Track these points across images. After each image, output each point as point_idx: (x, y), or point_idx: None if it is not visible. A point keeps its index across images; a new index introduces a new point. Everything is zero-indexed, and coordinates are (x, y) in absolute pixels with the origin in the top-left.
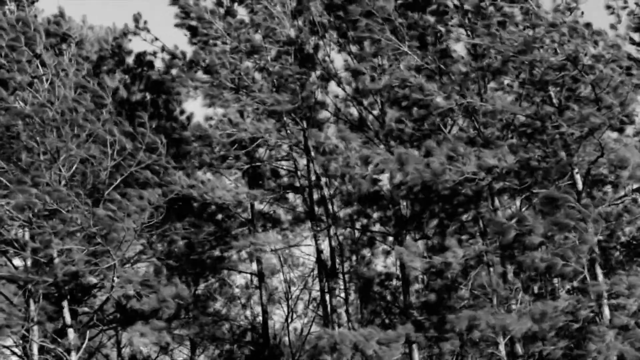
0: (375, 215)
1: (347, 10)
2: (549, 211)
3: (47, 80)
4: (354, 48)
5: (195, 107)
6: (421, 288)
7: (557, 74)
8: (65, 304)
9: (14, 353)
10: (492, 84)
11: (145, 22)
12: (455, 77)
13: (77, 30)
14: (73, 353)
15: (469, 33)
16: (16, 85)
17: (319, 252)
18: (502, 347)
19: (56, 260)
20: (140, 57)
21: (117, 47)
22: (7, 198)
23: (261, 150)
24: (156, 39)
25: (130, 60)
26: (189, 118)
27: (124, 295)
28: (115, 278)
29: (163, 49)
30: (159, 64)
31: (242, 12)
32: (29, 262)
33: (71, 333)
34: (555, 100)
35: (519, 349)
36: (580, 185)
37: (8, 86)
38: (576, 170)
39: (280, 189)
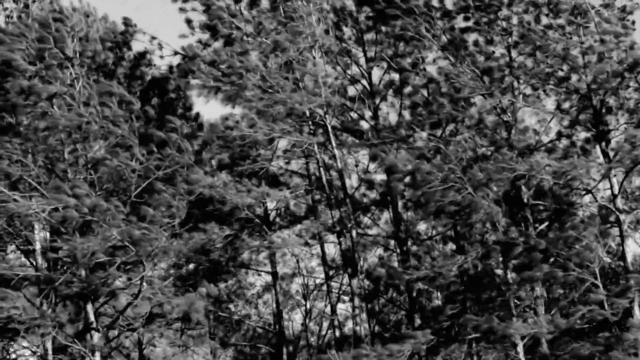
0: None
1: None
2: None
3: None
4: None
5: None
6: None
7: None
8: (90, 307)
9: (34, 353)
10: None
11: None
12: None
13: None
14: (97, 354)
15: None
16: (50, 95)
17: (343, 252)
18: (520, 349)
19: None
20: (143, 55)
21: (119, 46)
22: (41, 204)
23: (279, 150)
24: (155, 41)
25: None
26: (195, 118)
27: (148, 298)
28: (144, 283)
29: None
30: (158, 62)
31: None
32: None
33: (95, 334)
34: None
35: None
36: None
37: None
38: None
39: (298, 189)
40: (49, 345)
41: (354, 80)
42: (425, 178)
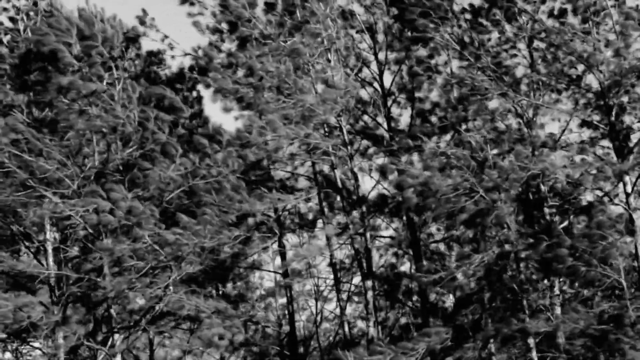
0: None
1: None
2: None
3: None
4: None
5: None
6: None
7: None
8: (113, 311)
9: (44, 354)
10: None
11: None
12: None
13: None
14: (119, 356)
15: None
16: (89, 94)
17: (357, 253)
18: (533, 347)
19: (107, 278)
20: (154, 54)
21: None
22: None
23: (287, 153)
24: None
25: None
26: (205, 121)
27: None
28: (171, 287)
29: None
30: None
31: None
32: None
33: (118, 337)
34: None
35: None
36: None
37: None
38: None
39: (310, 192)
40: (61, 349)
41: (366, 83)
42: (436, 187)
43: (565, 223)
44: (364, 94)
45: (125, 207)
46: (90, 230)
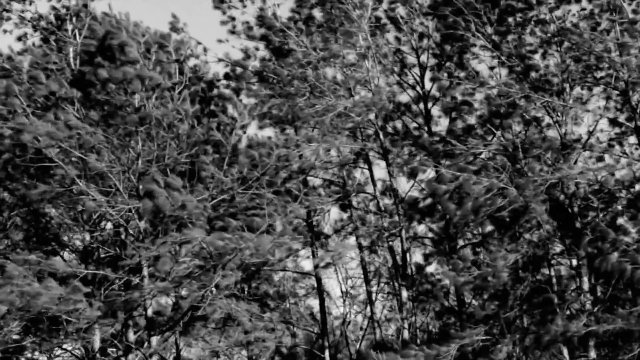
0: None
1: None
2: None
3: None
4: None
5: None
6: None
7: None
8: (150, 311)
9: (73, 355)
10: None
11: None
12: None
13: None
14: (155, 357)
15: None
16: (154, 86)
17: (391, 252)
18: (565, 349)
19: (146, 280)
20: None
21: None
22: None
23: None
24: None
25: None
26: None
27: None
28: (213, 289)
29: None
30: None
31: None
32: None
33: (154, 338)
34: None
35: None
36: None
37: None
38: None
39: (349, 194)
40: (97, 344)
41: (407, 86)
42: (470, 189)
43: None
44: (404, 97)
45: (179, 200)
46: (131, 231)
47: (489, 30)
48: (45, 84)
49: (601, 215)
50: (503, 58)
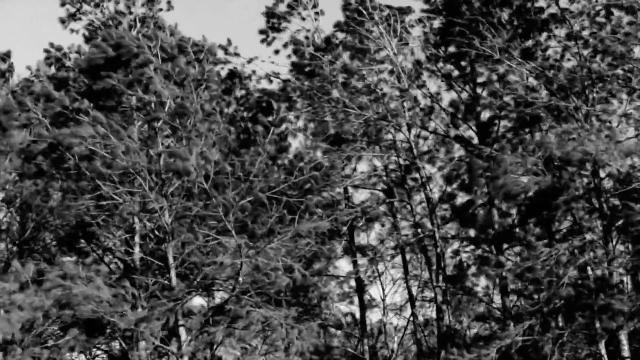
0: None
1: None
2: None
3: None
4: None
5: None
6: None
7: None
8: (179, 313)
9: (111, 357)
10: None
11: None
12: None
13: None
14: (185, 357)
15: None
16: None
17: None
18: (602, 346)
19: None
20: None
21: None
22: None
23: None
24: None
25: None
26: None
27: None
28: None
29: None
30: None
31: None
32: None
33: (183, 337)
34: None
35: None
36: None
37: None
38: None
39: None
40: (142, 344)
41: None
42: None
43: None
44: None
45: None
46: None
47: None
48: None
49: None
50: None
